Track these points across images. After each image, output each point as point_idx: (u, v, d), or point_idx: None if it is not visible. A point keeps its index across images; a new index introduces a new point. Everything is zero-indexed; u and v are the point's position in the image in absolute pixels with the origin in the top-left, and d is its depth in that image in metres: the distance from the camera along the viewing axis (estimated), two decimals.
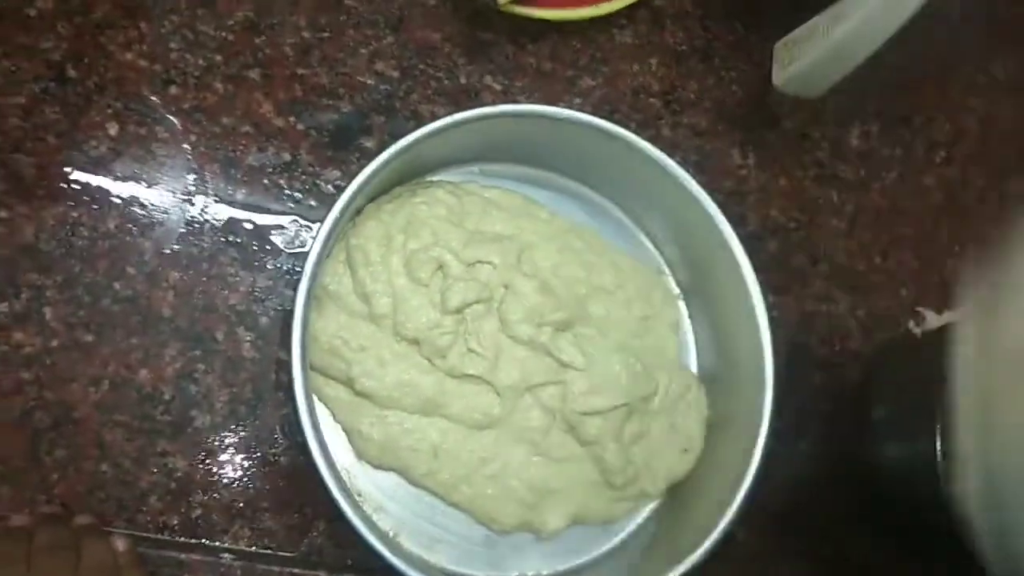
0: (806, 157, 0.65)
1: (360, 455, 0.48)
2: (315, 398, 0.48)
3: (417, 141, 0.46)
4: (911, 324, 0.64)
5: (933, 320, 0.65)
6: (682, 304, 0.56)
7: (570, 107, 0.56)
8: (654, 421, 0.51)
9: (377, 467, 0.48)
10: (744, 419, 0.50)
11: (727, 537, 0.47)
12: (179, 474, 0.47)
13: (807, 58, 0.56)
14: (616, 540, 0.51)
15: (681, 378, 0.52)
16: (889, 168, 0.67)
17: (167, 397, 0.47)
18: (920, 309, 0.65)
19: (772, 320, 0.51)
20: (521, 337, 0.48)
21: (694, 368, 0.55)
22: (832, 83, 0.57)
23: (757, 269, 0.56)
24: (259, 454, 0.48)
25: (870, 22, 0.52)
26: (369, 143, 0.54)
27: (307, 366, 0.45)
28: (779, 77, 0.58)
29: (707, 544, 0.46)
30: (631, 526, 0.52)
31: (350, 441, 0.48)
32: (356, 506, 0.44)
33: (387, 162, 0.46)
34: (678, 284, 0.57)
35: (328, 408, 0.48)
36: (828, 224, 0.64)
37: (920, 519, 0.58)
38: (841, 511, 0.59)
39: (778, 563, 0.57)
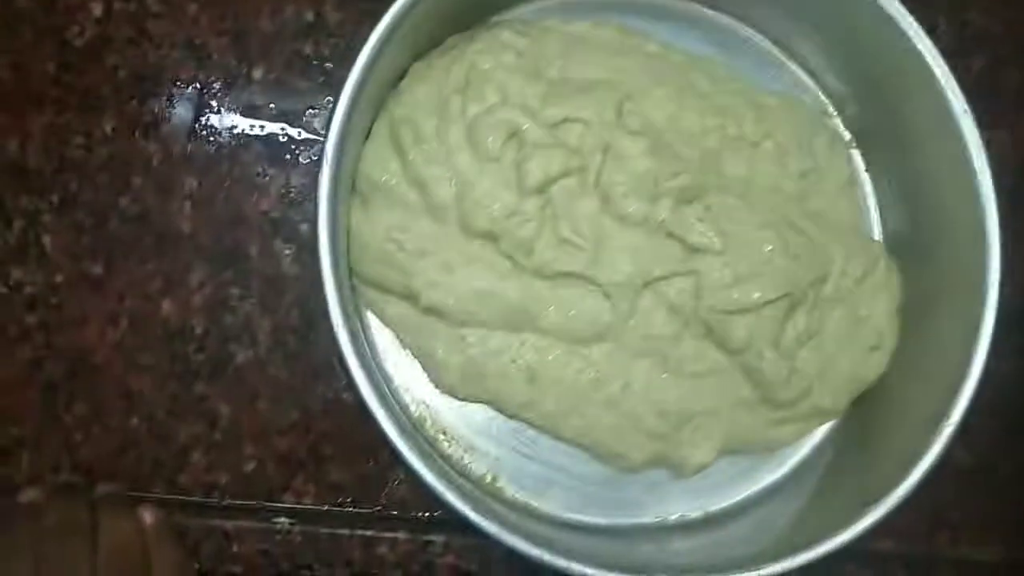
0: None
1: (440, 386, 0.38)
2: (372, 318, 0.38)
3: None
4: None
5: None
6: (856, 153, 0.41)
7: None
8: (828, 313, 0.38)
9: (463, 400, 0.38)
10: (957, 299, 0.37)
11: (941, 462, 0.34)
12: (224, 422, 0.38)
13: None
14: (781, 473, 0.39)
15: (863, 251, 0.39)
16: None
17: (199, 331, 0.39)
18: None
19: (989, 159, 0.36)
20: (632, 216, 0.36)
21: (878, 236, 0.41)
22: None
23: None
24: (318, 391, 0.39)
25: None
26: None
27: (345, 282, 0.35)
28: None
29: (914, 476, 0.33)
30: (801, 454, 0.39)
31: (425, 369, 0.38)
32: (428, 454, 0.34)
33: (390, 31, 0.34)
34: (848, 126, 0.42)
35: (392, 330, 0.38)
36: None
37: None
38: None
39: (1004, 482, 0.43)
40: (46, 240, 0.39)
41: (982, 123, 0.44)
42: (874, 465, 0.36)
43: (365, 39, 0.38)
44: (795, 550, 0.33)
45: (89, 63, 0.40)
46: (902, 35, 0.37)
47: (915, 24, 0.37)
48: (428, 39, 0.38)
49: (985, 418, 0.39)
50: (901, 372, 0.38)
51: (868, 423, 0.38)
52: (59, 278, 0.38)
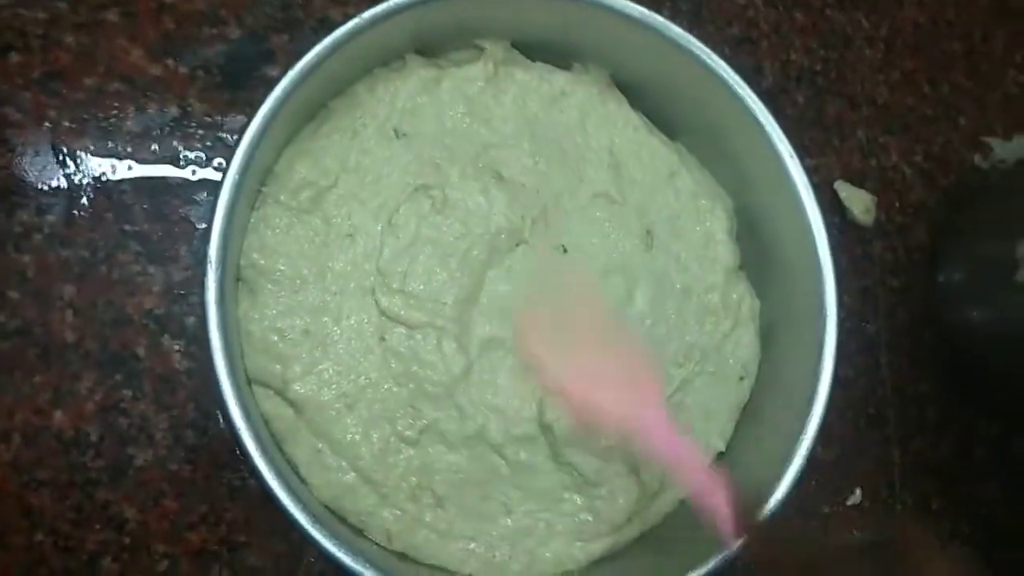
0: None
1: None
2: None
3: (327, 52, 0.36)
4: (976, 159, 0.53)
5: (1002, 149, 0.54)
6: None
7: None
8: (700, 368, 0.42)
9: None
10: (801, 322, 0.41)
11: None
12: (131, 525, 0.39)
13: None
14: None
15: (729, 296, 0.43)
16: None
17: (94, 438, 0.39)
18: (985, 139, 0.53)
19: (815, 188, 0.41)
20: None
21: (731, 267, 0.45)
22: None
23: (786, 130, 0.45)
24: (224, 480, 0.40)
25: None
26: (273, 71, 0.42)
27: (240, 374, 0.36)
28: None
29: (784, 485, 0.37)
30: None
31: None
32: (338, 533, 0.35)
33: (289, 91, 0.35)
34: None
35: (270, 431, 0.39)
36: (861, 57, 0.52)
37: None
38: (932, 395, 0.50)
39: (865, 463, 0.48)
40: None
41: (810, 152, 0.50)
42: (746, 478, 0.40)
43: (235, 129, 0.39)
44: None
45: None
46: (725, 85, 0.41)
47: (735, 75, 0.41)
48: (304, 115, 0.40)
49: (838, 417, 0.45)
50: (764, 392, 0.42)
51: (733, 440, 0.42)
52: None
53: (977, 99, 0.54)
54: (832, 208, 0.49)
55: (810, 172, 0.47)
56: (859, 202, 0.49)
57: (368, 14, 0.37)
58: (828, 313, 0.40)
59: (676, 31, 0.41)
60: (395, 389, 0.38)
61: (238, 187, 0.35)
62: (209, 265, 0.33)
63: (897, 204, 0.51)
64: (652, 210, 0.44)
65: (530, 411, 0.39)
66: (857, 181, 0.50)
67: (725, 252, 0.44)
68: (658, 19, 0.41)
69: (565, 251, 0.43)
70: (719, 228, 0.44)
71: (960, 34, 0.54)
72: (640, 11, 0.40)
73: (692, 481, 0.34)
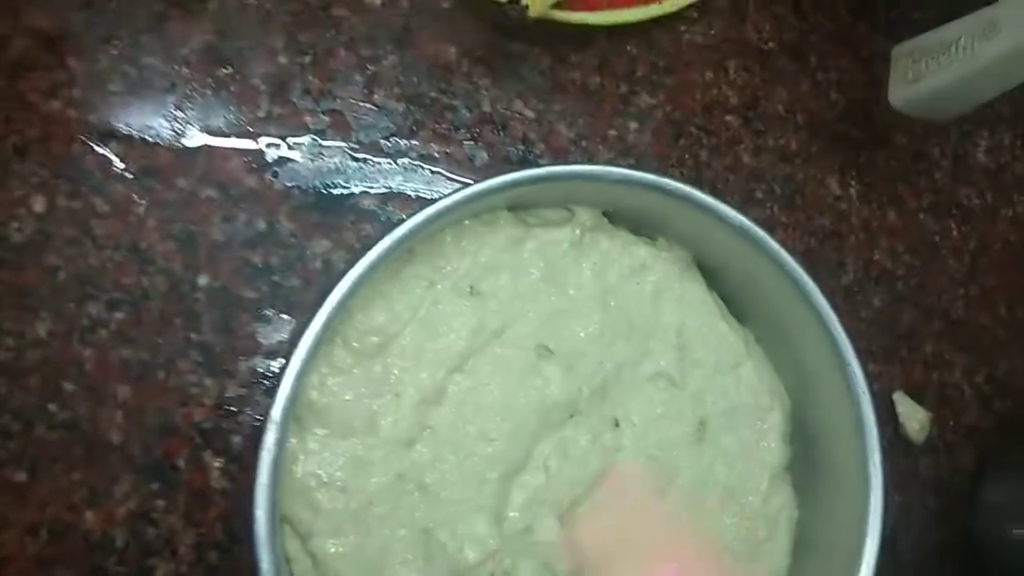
0: (921, 181, 0.51)
1: None
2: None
3: (413, 231, 0.36)
4: None
5: None
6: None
7: (624, 133, 0.45)
8: None
9: None
10: (840, 530, 0.40)
11: None
12: None
13: (938, 79, 0.43)
14: None
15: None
16: (1022, 189, 0.54)
17: (119, 544, 0.39)
18: None
19: (873, 396, 0.40)
20: None
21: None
22: (969, 109, 0.44)
23: (857, 332, 0.44)
24: None
25: None
26: (368, 202, 0.42)
27: (276, 516, 0.36)
28: (898, 95, 0.45)
29: None
30: None
31: None
32: None
33: (364, 275, 0.35)
34: None
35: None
36: (945, 267, 0.51)
37: None
38: None
39: None
40: None
41: (875, 358, 0.49)
42: None
43: (316, 252, 0.39)
44: None
45: (26, 258, 0.39)
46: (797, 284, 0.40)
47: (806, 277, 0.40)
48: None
49: None
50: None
51: None
52: None
53: None
54: (887, 419, 0.49)
55: (872, 378, 0.47)
56: (915, 419, 0.49)
57: (468, 192, 0.36)
58: (870, 532, 0.39)
59: (757, 232, 0.40)
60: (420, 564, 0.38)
61: (314, 348, 0.34)
62: (271, 425, 0.33)
63: (951, 423, 0.51)
64: (710, 399, 0.44)
65: None
66: (916, 394, 0.50)
67: (774, 456, 0.44)
68: (741, 219, 0.40)
69: (617, 424, 0.42)
70: (774, 430, 0.44)
71: None
72: (723, 209, 0.40)
73: None
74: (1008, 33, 0.39)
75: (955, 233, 0.52)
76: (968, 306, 0.51)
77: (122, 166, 0.40)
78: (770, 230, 0.39)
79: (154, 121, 0.40)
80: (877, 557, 0.39)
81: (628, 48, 0.47)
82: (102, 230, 0.39)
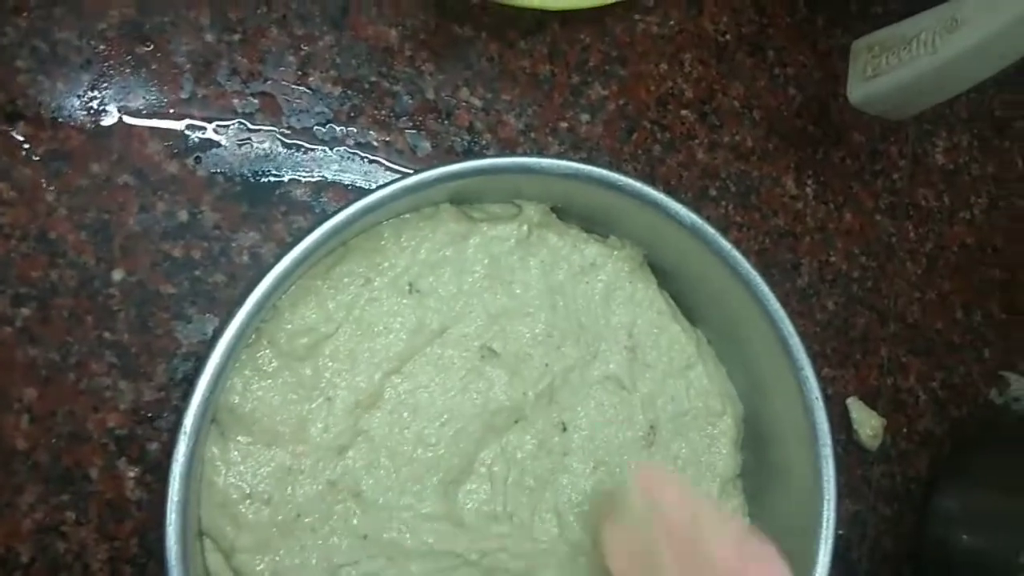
0: (879, 181, 0.50)
1: None
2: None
3: (346, 222, 0.33)
4: (992, 392, 0.52)
5: (1019, 384, 0.52)
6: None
7: (576, 125, 0.43)
8: None
9: None
10: (793, 535, 0.39)
11: None
12: None
13: (898, 75, 0.41)
14: None
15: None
16: (979, 191, 0.53)
17: (24, 559, 0.36)
18: (1005, 373, 0.52)
19: (826, 402, 0.39)
20: None
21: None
22: (928, 107, 0.42)
23: (811, 335, 0.43)
24: None
25: (1001, 35, 0.37)
26: (299, 192, 0.40)
27: (191, 529, 0.33)
28: (857, 91, 0.44)
29: None
30: None
31: None
32: None
33: (309, 251, 0.33)
34: None
35: None
36: (901, 270, 0.50)
37: None
38: None
39: None
40: None
41: (830, 362, 0.48)
42: None
43: (243, 245, 0.36)
44: None
45: None
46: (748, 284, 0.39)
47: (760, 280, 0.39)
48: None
49: None
50: None
51: None
52: None
53: (1006, 332, 0.52)
54: (840, 424, 0.48)
55: (826, 383, 0.46)
56: (868, 425, 0.48)
57: (407, 182, 0.34)
58: (823, 541, 0.38)
59: (709, 232, 0.38)
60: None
61: (231, 350, 0.32)
62: (182, 436, 0.31)
63: (905, 430, 0.50)
64: (660, 403, 0.42)
65: None
66: (870, 399, 0.49)
67: (725, 463, 0.42)
68: (694, 217, 0.38)
69: (564, 429, 0.40)
70: (725, 436, 0.42)
71: (1003, 262, 0.53)
72: (675, 207, 0.38)
73: None
74: (969, 29, 0.37)
75: (912, 235, 0.51)
76: (924, 310, 0.50)
77: (29, 147, 0.36)
78: (724, 229, 0.38)
79: (66, 101, 0.37)
80: (830, 568, 0.38)
81: (581, 36, 0.45)
82: (7, 219, 0.36)
